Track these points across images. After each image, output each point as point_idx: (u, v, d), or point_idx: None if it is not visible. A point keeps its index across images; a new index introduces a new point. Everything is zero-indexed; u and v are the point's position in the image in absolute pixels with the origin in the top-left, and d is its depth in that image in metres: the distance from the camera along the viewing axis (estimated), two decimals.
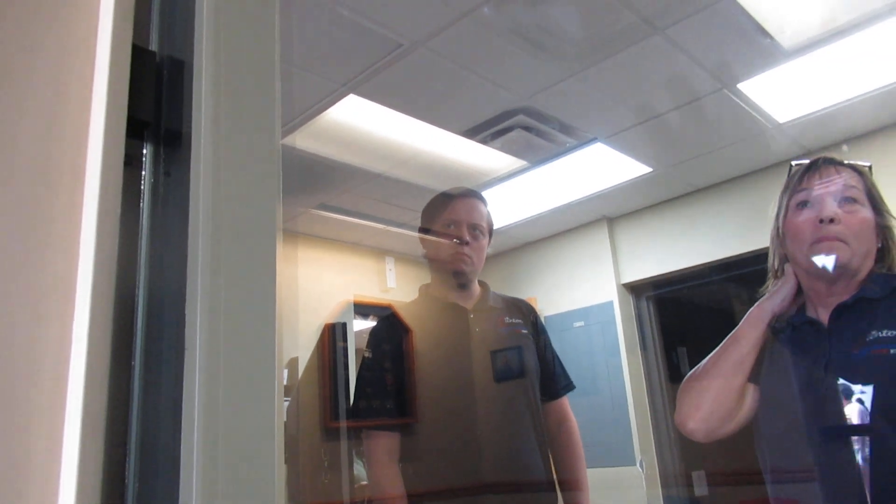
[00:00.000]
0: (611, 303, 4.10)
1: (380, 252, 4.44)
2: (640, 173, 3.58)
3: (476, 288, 1.83)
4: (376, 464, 1.63)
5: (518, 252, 4.55)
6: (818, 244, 1.17)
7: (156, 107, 0.64)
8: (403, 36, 2.30)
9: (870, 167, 1.24)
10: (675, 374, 4.16)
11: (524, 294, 4.19)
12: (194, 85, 0.65)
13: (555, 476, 1.76)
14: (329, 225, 4.03)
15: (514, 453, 1.71)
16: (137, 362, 0.58)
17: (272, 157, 0.73)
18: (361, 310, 4.19)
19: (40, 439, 0.50)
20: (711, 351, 1.25)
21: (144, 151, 0.63)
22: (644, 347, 4.09)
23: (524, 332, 1.78)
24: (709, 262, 3.72)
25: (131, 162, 0.62)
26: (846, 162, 1.23)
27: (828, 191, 1.19)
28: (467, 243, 1.73)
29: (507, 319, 1.78)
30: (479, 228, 1.78)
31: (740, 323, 1.24)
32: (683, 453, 3.98)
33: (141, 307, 0.59)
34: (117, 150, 0.59)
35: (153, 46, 0.66)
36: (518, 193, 3.74)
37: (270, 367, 0.66)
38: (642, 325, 4.14)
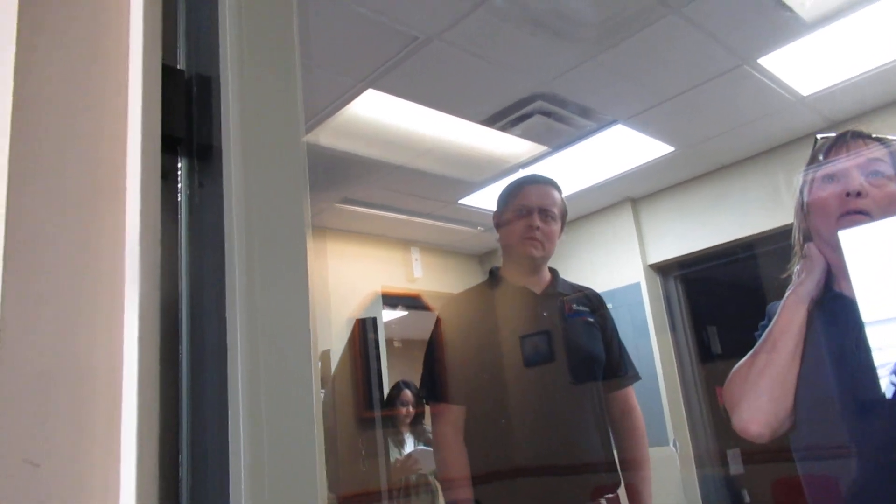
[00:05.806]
0: (638, 284, 4.09)
1: (405, 243, 4.48)
2: (663, 153, 3.56)
3: (546, 273, 1.85)
4: (442, 438, 1.66)
5: None
6: (844, 218, 1.15)
7: (187, 123, 0.67)
8: (419, 29, 2.32)
9: None
10: (705, 354, 4.14)
11: None
12: (222, 100, 0.68)
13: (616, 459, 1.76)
14: (353, 218, 4.08)
15: (572, 438, 1.71)
16: (184, 365, 0.62)
17: (298, 160, 0.77)
18: (389, 300, 4.24)
19: (99, 442, 0.54)
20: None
21: (179, 166, 0.67)
22: (673, 328, 4.08)
23: (590, 320, 1.80)
24: (735, 240, 3.69)
25: (167, 176, 0.65)
26: (874, 135, 1.21)
27: (855, 164, 1.17)
28: (538, 228, 1.75)
29: (574, 307, 1.80)
30: (550, 214, 1.79)
31: (779, 313, 1.20)
32: (717, 432, 3.97)
33: (185, 313, 0.63)
34: (155, 167, 0.62)
35: (181, 65, 0.69)
36: None
37: (307, 362, 0.70)
38: (670, 306, 4.12)
